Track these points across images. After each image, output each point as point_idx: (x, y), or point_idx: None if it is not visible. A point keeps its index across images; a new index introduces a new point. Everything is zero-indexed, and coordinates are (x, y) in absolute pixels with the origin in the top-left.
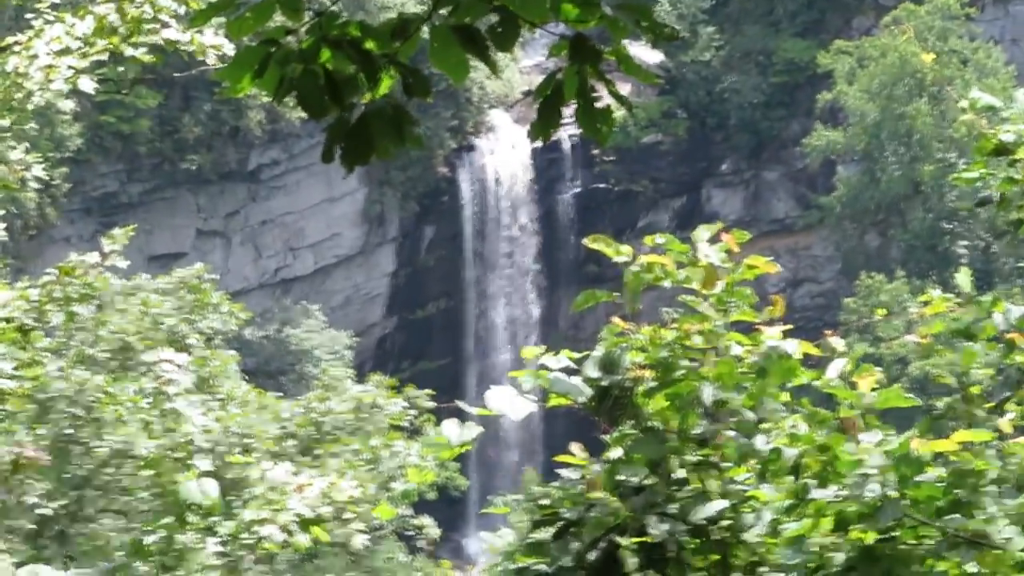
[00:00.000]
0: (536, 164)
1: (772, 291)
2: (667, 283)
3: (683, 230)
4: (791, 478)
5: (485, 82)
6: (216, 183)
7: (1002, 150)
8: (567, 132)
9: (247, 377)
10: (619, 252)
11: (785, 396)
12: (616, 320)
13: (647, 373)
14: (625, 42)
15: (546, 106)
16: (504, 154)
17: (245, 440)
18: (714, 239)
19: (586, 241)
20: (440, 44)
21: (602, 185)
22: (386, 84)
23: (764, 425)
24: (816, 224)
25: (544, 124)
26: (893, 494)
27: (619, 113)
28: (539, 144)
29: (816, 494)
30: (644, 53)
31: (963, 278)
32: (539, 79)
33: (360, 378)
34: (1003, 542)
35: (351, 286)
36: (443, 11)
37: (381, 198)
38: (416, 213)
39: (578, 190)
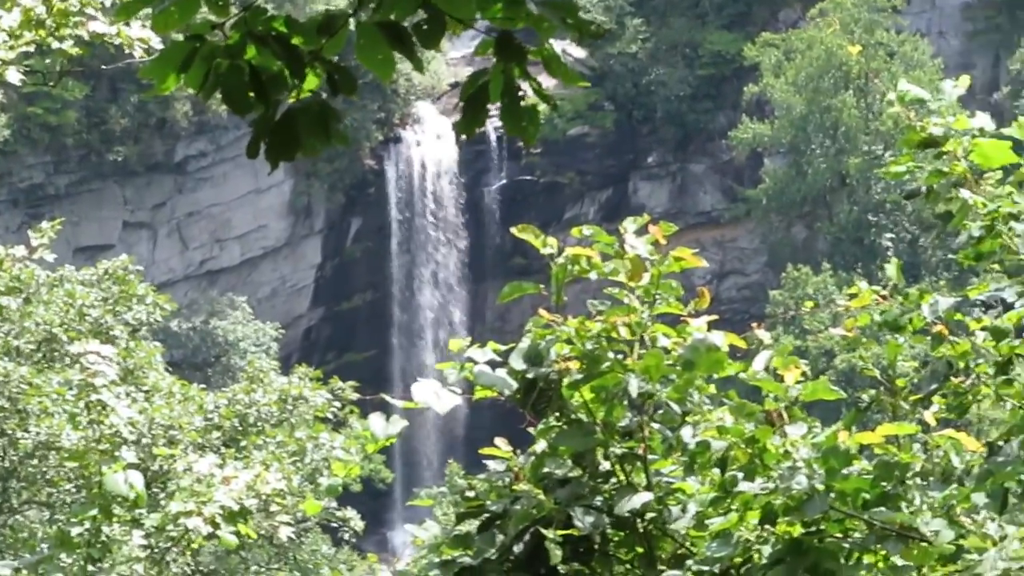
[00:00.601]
0: (462, 156)
1: (699, 283)
2: (593, 275)
3: (610, 222)
4: (717, 471)
5: (412, 74)
6: (143, 175)
7: (930, 143)
8: (494, 124)
9: (172, 369)
10: (546, 243)
11: (712, 388)
12: (542, 312)
13: (573, 365)
14: (551, 39)
15: (472, 103)
16: (430, 146)
17: (170, 432)
18: (641, 231)
19: (514, 230)
20: (366, 41)
21: (528, 177)
22: (312, 81)
23: (691, 418)
24: (743, 217)
25: (470, 121)
26: (820, 487)
27: (545, 107)
28: (463, 137)
29: (743, 486)
30: (571, 46)
31: (893, 269)
32: (466, 71)
33: (286, 370)
34: (930, 535)
35: (277, 278)
36: (369, 7)
37: (308, 190)
38: (343, 205)
39: (504, 182)
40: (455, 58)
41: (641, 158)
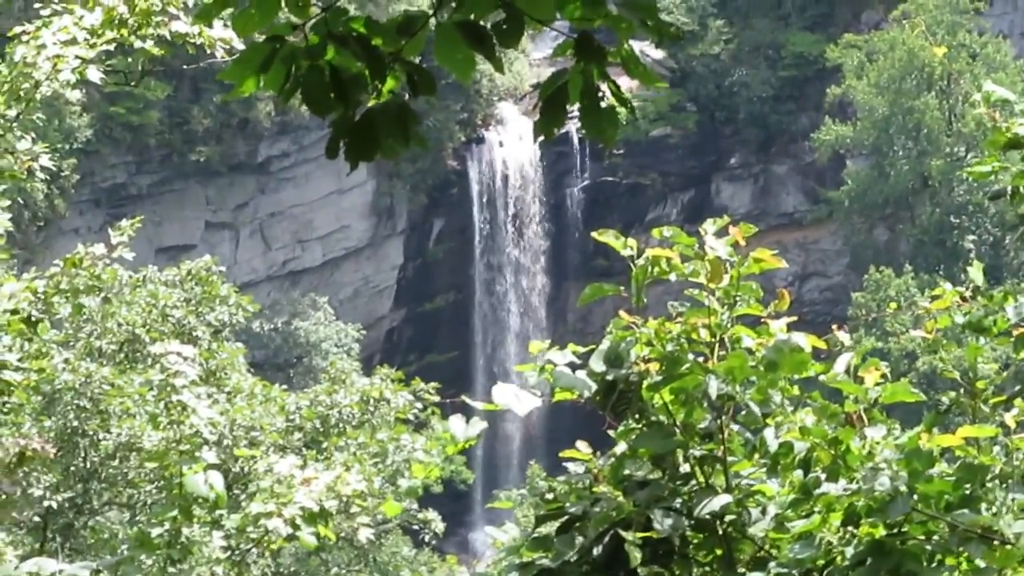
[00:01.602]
0: (545, 157)
1: (780, 285)
2: (673, 277)
3: (691, 224)
4: (798, 473)
5: (494, 75)
6: (225, 175)
7: (1015, 143)
8: (576, 125)
9: (254, 370)
10: (626, 245)
11: (795, 390)
12: (622, 314)
13: (653, 367)
14: (631, 40)
15: (550, 104)
16: (513, 147)
17: (251, 433)
18: (721, 233)
19: (594, 234)
20: (445, 41)
21: (611, 178)
22: (392, 82)
23: (772, 419)
24: (825, 218)
25: (548, 122)
26: (903, 488)
27: (625, 112)
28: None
29: (826, 488)
30: (650, 47)
31: (975, 272)
32: (548, 72)
33: (367, 371)
34: (1013, 537)
35: (359, 278)
36: (449, 7)
37: (390, 190)
38: (425, 205)
39: (587, 183)
40: (538, 59)
41: (723, 159)
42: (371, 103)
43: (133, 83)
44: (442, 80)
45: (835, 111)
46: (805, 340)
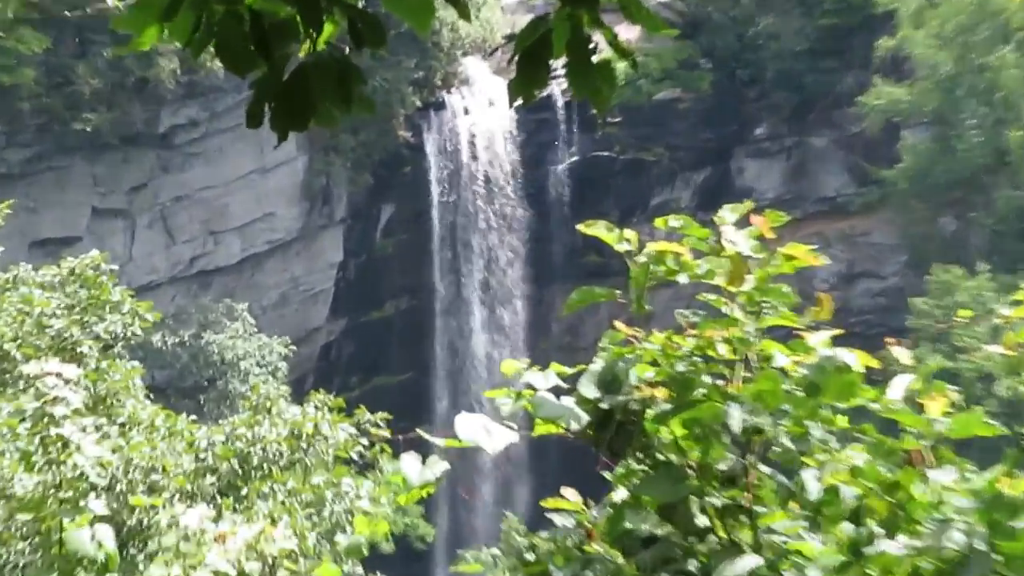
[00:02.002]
0: (522, 127)
1: (819, 288)
2: (684, 278)
3: (706, 211)
4: (847, 526)
5: (458, 23)
6: (118, 149)
7: None
8: (561, 86)
9: (155, 395)
10: (622, 238)
11: (841, 421)
12: (620, 325)
13: (659, 392)
14: None
15: (529, 60)
16: (481, 113)
17: (151, 476)
18: (744, 222)
19: (582, 226)
20: None
21: (605, 153)
22: (330, 31)
23: (812, 458)
24: (876, 204)
25: (526, 82)
26: (981, 546)
27: (624, 65)
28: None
29: (883, 545)
30: None
31: None
32: (527, 19)
33: (298, 398)
34: None
35: (288, 280)
36: None
37: (326, 168)
38: (370, 188)
39: (575, 159)
40: (512, 2)
41: (747, 129)
42: (303, 57)
43: (0, 34)
44: (392, 29)
45: (887, 69)
46: (853, 358)
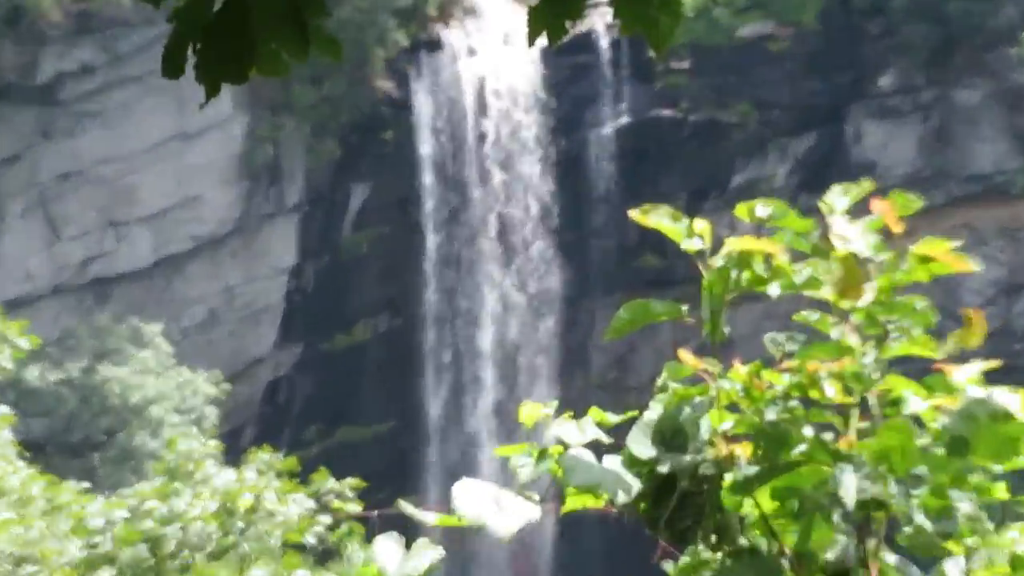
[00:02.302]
0: (553, 75)
1: (969, 304)
2: (776, 289)
3: (810, 193)
4: None
5: None
6: None
7: None
8: (604, 19)
9: (31, 453)
10: (692, 232)
11: (1001, 490)
12: (686, 355)
13: (741, 450)
14: None
15: None
16: (493, 56)
17: (25, 567)
18: (862, 209)
19: (635, 214)
20: None
21: (668, 112)
22: None
23: (958, 544)
24: None
25: (554, 9)
26: None
27: None
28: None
29: None
30: None
31: None
32: None
33: (234, 457)
34: None
35: (220, 291)
36: None
37: (274, 134)
38: (337, 161)
39: (626, 121)
40: None
41: (868, 80)
42: None
43: None
44: None
45: None
46: (1017, 400)
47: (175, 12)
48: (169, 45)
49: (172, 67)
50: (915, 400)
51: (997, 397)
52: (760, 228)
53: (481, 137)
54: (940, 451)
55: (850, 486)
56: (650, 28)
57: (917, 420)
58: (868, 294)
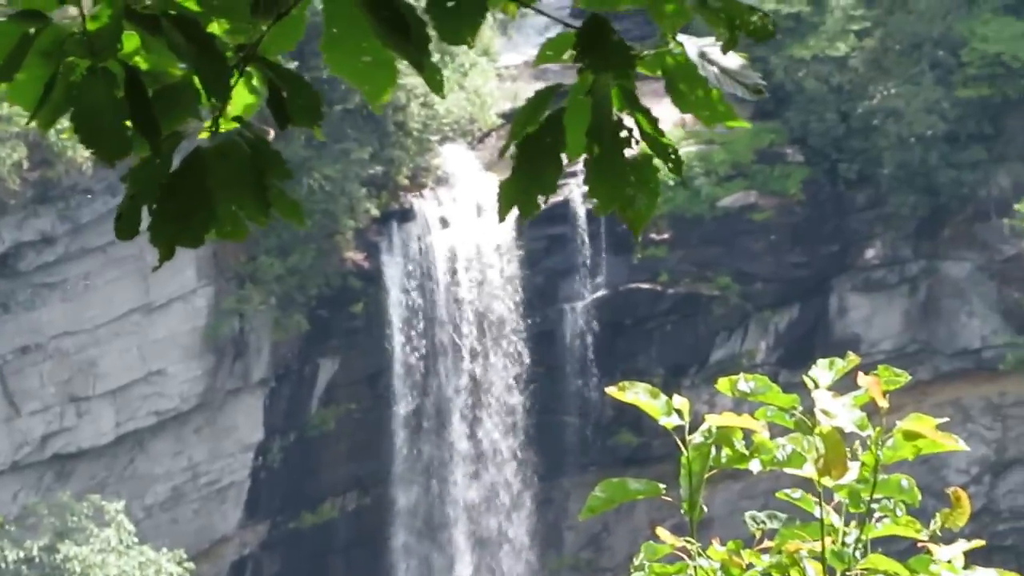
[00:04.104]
0: (527, 246)
1: (955, 483)
2: (757, 466)
3: (792, 369)
4: None
5: (431, 97)
6: None
7: None
8: (582, 188)
9: None
10: (670, 409)
11: None
12: (664, 534)
13: None
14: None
15: (531, 153)
16: (466, 226)
17: None
18: (847, 385)
19: (612, 390)
20: (341, 30)
21: (646, 286)
22: (243, 100)
23: None
24: None
25: (526, 185)
26: None
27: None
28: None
29: None
30: (717, 48)
31: None
32: (530, 91)
33: None
34: None
35: (183, 468)
36: None
37: (240, 307)
38: (304, 335)
39: (603, 294)
40: (513, 65)
41: (853, 251)
42: (202, 137)
43: None
44: (338, 104)
45: None
46: None
47: (130, 171)
48: (123, 205)
49: (125, 228)
50: None
51: None
52: (741, 404)
53: (454, 310)
54: None
55: None
56: (626, 208)
57: None
58: (852, 471)
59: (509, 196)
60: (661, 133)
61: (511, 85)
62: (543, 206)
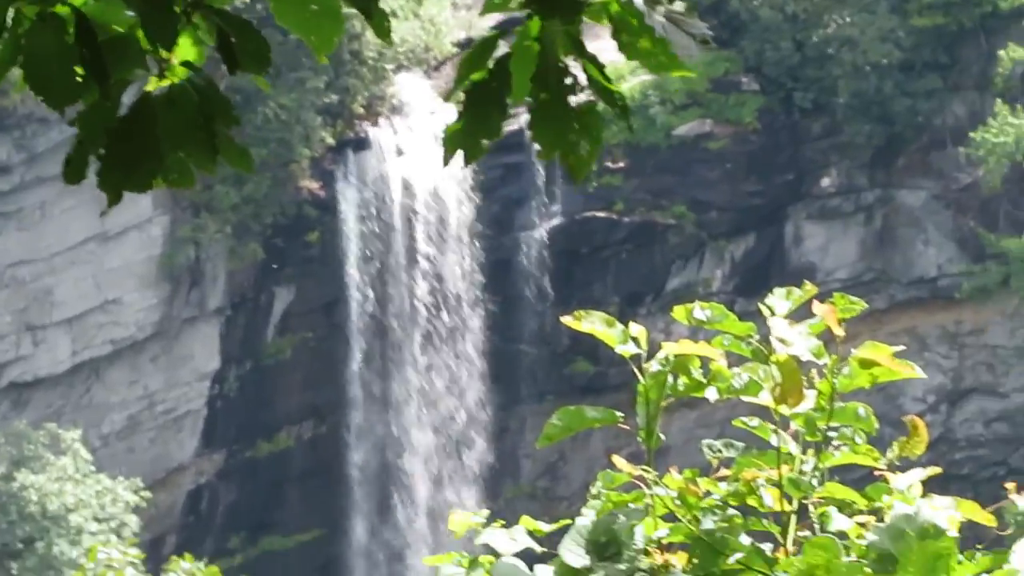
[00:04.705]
0: (483, 174)
1: (912, 411)
2: (714, 394)
3: (748, 296)
4: None
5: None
6: None
7: None
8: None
9: None
10: (627, 337)
11: None
12: (620, 462)
13: (677, 559)
14: None
15: (478, 98)
16: (422, 153)
17: None
18: (803, 313)
19: (567, 320)
20: None
21: (602, 214)
22: (189, 47)
23: None
24: (996, 289)
25: (473, 128)
26: None
27: (630, 85)
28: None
29: None
30: None
31: None
32: (487, 21)
33: (155, 565)
34: None
35: (139, 397)
36: None
37: (195, 236)
38: (260, 263)
39: (559, 222)
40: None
41: (808, 180)
42: (150, 87)
43: None
44: (286, 36)
45: (1016, 92)
46: (946, 514)
47: (78, 116)
48: (72, 151)
49: (73, 172)
50: (840, 518)
51: (925, 512)
52: (696, 332)
53: (409, 239)
54: (869, 569)
55: None
56: (568, 154)
57: (845, 537)
58: (808, 400)
59: (455, 141)
60: (608, 80)
61: (466, 14)
62: (485, 151)
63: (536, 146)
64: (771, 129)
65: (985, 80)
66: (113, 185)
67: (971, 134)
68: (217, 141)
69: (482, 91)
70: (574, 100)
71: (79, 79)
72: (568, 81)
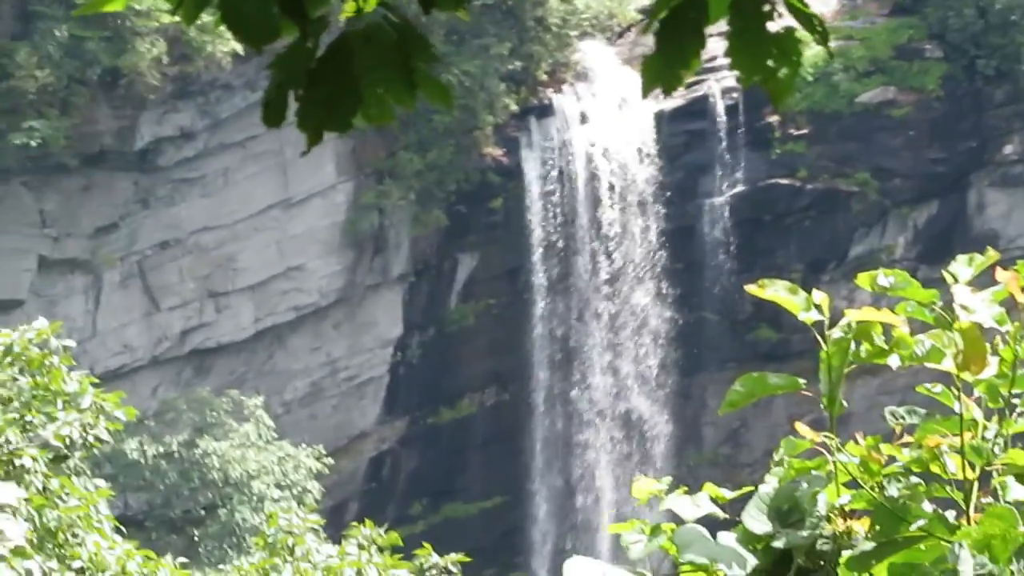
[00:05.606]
0: (666, 141)
1: None
2: (896, 361)
3: (932, 264)
4: None
5: None
6: (76, 173)
7: None
8: (721, 84)
9: (128, 528)
10: (810, 304)
11: None
12: (803, 429)
13: (860, 525)
14: None
15: (674, 26)
16: (606, 122)
17: None
18: (986, 280)
19: (751, 287)
20: None
21: (785, 181)
22: None
23: None
24: None
25: (669, 60)
26: None
27: (813, 52)
28: (666, 104)
29: None
30: None
31: None
32: None
33: (336, 532)
34: None
35: (322, 364)
36: None
37: (379, 202)
38: (444, 230)
39: (741, 189)
40: None
41: (992, 147)
42: (345, 14)
43: None
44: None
45: None
46: None
47: (276, 59)
48: (269, 92)
49: (272, 114)
50: (1018, 487)
51: None
52: (879, 300)
53: (592, 205)
54: None
55: (967, 565)
56: (769, 78)
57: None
58: (991, 366)
59: (652, 73)
60: (806, 5)
61: None
62: (684, 82)
63: (726, 100)
64: (954, 96)
65: None
66: (314, 125)
67: None
68: (415, 76)
69: (679, 19)
70: (773, 27)
71: (277, 16)
72: (766, 8)
